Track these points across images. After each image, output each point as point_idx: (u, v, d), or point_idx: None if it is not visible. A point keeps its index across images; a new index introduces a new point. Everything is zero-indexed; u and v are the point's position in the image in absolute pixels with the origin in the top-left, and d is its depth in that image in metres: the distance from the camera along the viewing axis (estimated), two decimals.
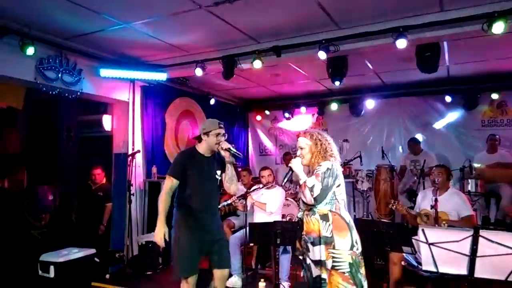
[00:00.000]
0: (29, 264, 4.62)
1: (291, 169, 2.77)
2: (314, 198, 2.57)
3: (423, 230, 2.36)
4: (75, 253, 4.84)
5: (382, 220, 3.75)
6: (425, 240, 2.33)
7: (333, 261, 2.52)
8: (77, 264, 4.75)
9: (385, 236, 3.34)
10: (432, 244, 2.33)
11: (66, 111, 5.71)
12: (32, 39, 4.45)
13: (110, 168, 6.17)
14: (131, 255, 5.64)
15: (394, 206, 4.18)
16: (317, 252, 2.57)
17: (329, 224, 2.57)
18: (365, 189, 6.92)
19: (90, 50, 5.32)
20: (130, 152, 5.88)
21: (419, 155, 6.62)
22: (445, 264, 2.35)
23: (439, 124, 7.36)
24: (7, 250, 4.50)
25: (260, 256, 5.23)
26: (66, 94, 5.25)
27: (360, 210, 7.42)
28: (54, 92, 5.08)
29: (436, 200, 3.68)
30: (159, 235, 3.12)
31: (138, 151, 5.78)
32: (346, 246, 2.54)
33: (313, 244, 2.60)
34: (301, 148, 2.81)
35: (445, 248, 2.31)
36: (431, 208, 3.72)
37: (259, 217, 4.94)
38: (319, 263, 2.56)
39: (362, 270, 2.56)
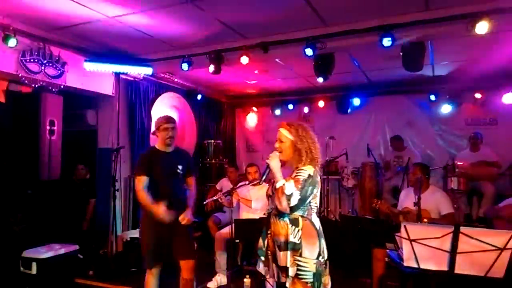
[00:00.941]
0: (10, 261, 4.53)
1: (268, 166, 2.46)
2: (290, 207, 2.34)
3: (405, 226, 2.39)
4: (58, 249, 4.77)
5: (366, 217, 3.77)
6: (407, 237, 2.36)
7: (298, 269, 2.32)
8: (60, 261, 4.69)
9: (368, 232, 3.37)
10: (413, 240, 2.36)
11: (49, 104, 5.59)
12: (14, 31, 4.36)
13: (95, 163, 6.10)
14: (115, 251, 5.59)
15: (377, 206, 4.21)
16: (283, 258, 2.36)
17: (299, 230, 2.36)
18: (351, 186, 7.00)
19: (74, 43, 5.23)
20: (115, 147, 5.81)
21: (403, 151, 6.70)
22: (426, 260, 2.39)
23: (423, 122, 7.45)
24: None
25: (246, 252, 5.24)
26: (50, 87, 5.16)
27: (345, 207, 7.50)
28: (36, 85, 4.98)
29: (419, 198, 3.72)
30: (160, 212, 3.25)
31: (123, 147, 5.71)
32: (313, 255, 2.34)
33: (279, 248, 2.39)
34: (281, 142, 2.51)
35: (426, 245, 2.34)
36: (414, 205, 3.76)
37: (245, 214, 4.94)
38: (284, 270, 2.35)
39: (323, 279, 2.39)
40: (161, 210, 3.26)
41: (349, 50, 5.35)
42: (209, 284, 4.69)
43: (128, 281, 4.74)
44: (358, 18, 4.46)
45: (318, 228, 2.43)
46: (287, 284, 2.33)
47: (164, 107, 7.10)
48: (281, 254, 2.38)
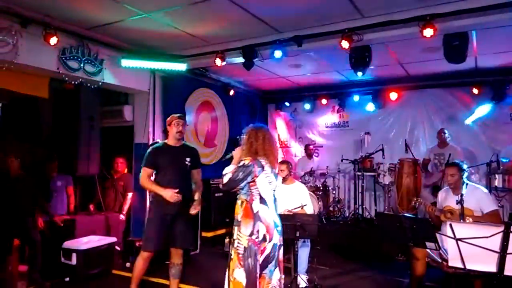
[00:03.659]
0: (52, 251, 4.71)
1: (232, 155, 3.15)
2: (222, 184, 3.00)
3: (451, 225, 2.26)
4: (97, 241, 4.92)
5: (406, 214, 3.63)
6: (452, 236, 2.24)
7: (237, 242, 2.90)
8: (98, 252, 4.83)
9: (408, 231, 3.25)
10: (460, 239, 2.23)
11: (88, 101, 5.77)
12: (55, 29, 4.50)
13: (131, 158, 6.23)
14: None
15: (417, 204, 4.05)
16: (234, 232, 2.97)
17: (241, 211, 2.95)
18: (387, 183, 6.81)
19: (111, 40, 5.35)
20: (150, 142, 5.91)
21: (444, 148, 6.42)
22: (473, 261, 2.26)
23: (465, 117, 7.11)
24: (32, 237, 4.59)
25: None
26: (88, 84, 5.31)
27: (381, 204, 7.30)
28: (76, 82, 5.14)
29: (462, 195, 3.54)
30: (169, 195, 3.63)
31: (158, 141, 5.79)
32: (247, 232, 2.88)
33: (234, 224, 2.99)
34: (242, 139, 3.15)
35: (473, 244, 2.21)
36: (456, 204, 3.58)
37: (278, 210, 4.88)
38: (232, 241, 2.97)
39: (259, 257, 2.86)
40: (168, 193, 3.63)
41: (386, 42, 5.17)
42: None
43: (164, 274, 4.80)
44: (396, 8, 4.30)
45: (255, 212, 2.93)
46: (231, 253, 2.94)
47: (197, 102, 7.17)
48: (234, 228, 2.98)
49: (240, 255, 2.86)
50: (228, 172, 2.97)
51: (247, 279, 2.81)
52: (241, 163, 2.96)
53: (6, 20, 4.22)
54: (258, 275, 2.85)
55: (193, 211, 3.87)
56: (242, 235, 2.89)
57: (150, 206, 3.94)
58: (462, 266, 2.27)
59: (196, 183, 4.01)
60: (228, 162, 3.13)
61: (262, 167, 2.98)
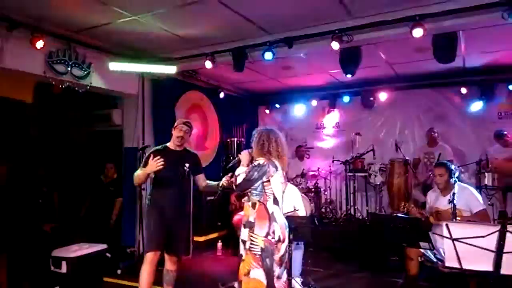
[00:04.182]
0: (41, 260, 4.61)
1: (239, 158, 3.15)
2: (235, 185, 3.03)
3: (447, 225, 2.25)
4: (87, 248, 4.81)
5: (399, 215, 3.63)
6: (449, 236, 2.23)
7: (250, 243, 2.91)
8: (89, 259, 4.72)
9: (401, 231, 3.24)
10: (456, 239, 2.22)
11: (75, 105, 5.68)
12: (41, 32, 4.41)
13: (121, 163, 6.15)
14: (142, 250, 5.60)
15: (406, 209, 4.03)
16: (244, 233, 2.97)
17: (255, 212, 2.94)
18: (378, 183, 6.83)
19: (99, 43, 5.27)
20: (140, 146, 5.83)
21: (434, 147, 6.46)
22: (470, 260, 2.25)
23: (454, 117, 7.18)
24: (20, 245, 4.49)
25: None
26: (76, 88, 5.22)
27: (373, 205, 7.32)
28: (63, 86, 5.04)
29: (454, 194, 3.54)
30: (151, 167, 3.53)
31: (149, 146, 5.71)
32: (262, 233, 2.89)
33: (244, 226, 2.99)
34: (253, 141, 3.17)
35: (470, 244, 2.20)
36: (448, 203, 3.58)
37: None
38: (243, 243, 2.97)
39: (275, 257, 2.89)
40: (152, 162, 3.52)
41: (376, 42, 5.19)
42: (236, 284, 4.64)
43: (156, 279, 4.74)
44: (386, 9, 4.31)
45: (270, 213, 2.94)
46: (243, 255, 2.95)
47: (187, 105, 7.11)
48: (243, 230, 2.98)
49: (257, 256, 2.87)
50: (241, 172, 2.99)
51: (267, 279, 2.84)
52: (256, 163, 2.98)
53: None
54: (276, 274, 2.89)
55: (226, 181, 3.58)
56: (257, 236, 2.90)
57: (148, 208, 3.87)
58: (458, 266, 2.27)
59: (207, 182, 3.92)
60: (232, 168, 3.18)
61: (276, 167, 3.02)
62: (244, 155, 3.14)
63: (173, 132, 3.86)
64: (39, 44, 4.38)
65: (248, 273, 2.87)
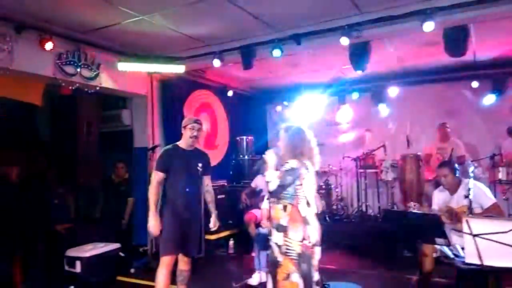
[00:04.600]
0: (56, 259, 4.65)
1: (264, 159, 2.96)
2: (270, 192, 2.87)
3: (467, 221, 2.21)
4: (100, 248, 4.85)
5: (414, 211, 3.58)
6: (469, 232, 2.19)
7: (286, 248, 2.79)
8: (102, 259, 4.76)
9: (416, 227, 3.20)
10: (477, 235, 2.18)
11: (85, 106, 5.72)
12: (50, 34, 4.44)
13: (131, 163, 6.17)
14: (155, 249, 5.63)
15: (416, 209, 3.97)
16: (277, 237, 2.84)
17: (287, 215, 2.82)
18: (390, 179, 6.77)
19: (107, 44, 5.29)
20: (150, 146, 5.85)
21: (446, 142, 6.38)
22: (491, 257, 2.20)
23: (465, 111, 7.08)
24: (34, 245, 4.53)
25: None
26: (85, 89, 5.24)
27: (385, 201, 7.26)
28: (73, 87, 5.07)
29: (469, 189, 3.47)
30: (152, 224, 3.51)
31: (158, 145, 5.74)
32: (297, 237, 2.78)
33: (276, 229, 2.87)
34: (278, 141, 3.04)
35: (491, 240, 2.15)
36: (464, 198, 3.51)
37: None
38: (277, 247, 2.84)
39: (313, 262, 2.79)
40: (153, 222, 3.51)
41: (385, 37, 5.13)
42: (250, 281, 4.64)
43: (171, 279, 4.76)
44: (396, 3, 4.25)
45: (304, 216, 2.82)
46: (279, 259, 2.81)
47: (196, 104, 7.11)
48: (276, 234, 2.85)
49: (294, 261, 2.76)
50: (273, 178, 2.83)
51: (304, 284, 2.74)
52: (288, 167, 2.84)
53: (0, 26, 4.15)
54: (315, 280, 2.80)
55: (214, 227, 3.85)
56: (292, 241, 2.79)
57: (162, 210, 3.72)
58: (479, 263, 2.22)
59: (208, 190, 3.91)
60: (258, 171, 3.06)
61: (307, 169, 2.90)
62: (270, 156, 2.95)
63: (184, 132, 3.75)
64: (48, 45, 4.42)
65: (287, 277, 2.76)
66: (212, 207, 3.89)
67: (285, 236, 2.79)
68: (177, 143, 3.81)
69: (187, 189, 3.66)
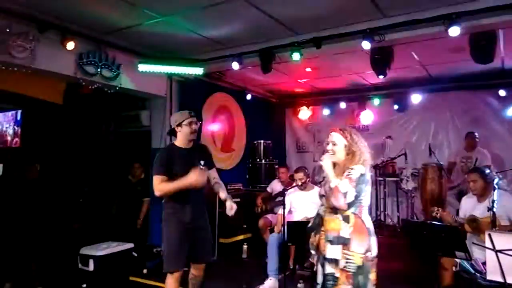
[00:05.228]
0: (69, 257, 4.68)
1: (321, 167, 2.72)
2: (348, 204, 2.55)
3: (489, 235, 2.09)
4: (114, 247, 4.86)
5: (433, 222, 3.44)
6: (491, 247, 2.06)
7: (346, 261, 2.54)
8: (115, 258, 4.76)
9: (436, 240, 3.07)
10: (500, 251, 2.05)
11: (105, 106, 5.78)
12: (72, 34, 4.50)
13: (149, 163, 6.19)
14: None
15: (439, 214, 3.83)
16: (334, 251, 2.58)
17: (350, 226, 2.58)
18: (410, 188, 6.59)
19: (128, 45, 5.34)
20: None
21: (472, 152, 6.16)
22: None
23: (491, 121, 6.83)
24: (49, 243, 4.58)
25: (299, 256, 5.04)
26: (105, 89, 5.30)
27: (404, 211, 7.06)
28: (93, 87, 5.13)
29: (493, 201, 3.32)
30: (194, 178, 3.07)
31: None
32: (361, 250, 2.54)
33: (331, 242, 2.61)
34: (334, 144, 2.73)
35: None
36: (488, 211, 3.36)
37: (298, 216, 4.75)
38: (334, 262, 2.57)
39: (371, 276, 2.56)
40: (193, 175, 3.06)
41: (408, 42, 4.99)
42: (261, 287, 4.56)
43: (181, 280, 4.72)
44: (420, 7, 4.13)
45: (368, 227, 2.61)
46: (337, 275, 2.54)
47: (214, 106, 7.11)
48: (332, 248, 2.58)
49: (350, 273, 2.52)
50: (349, 189, 2.53)
51: None
52: (357, 173, 2.57)
53: (23, 25, 4.23)
54: None
55: (232, 211, 3.30)
56: (354, 254, 2.53)
57: (165, 218, 3.39)
58: (502, 280, 2.09)
59: (217, 182, 3.50)
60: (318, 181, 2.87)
61: (370, 173, 2.70)
62: (327, 163, 2.69)
63: (180, 129, 3.33)
64: (70, 45, 4.48)
65: None
66: (224, 193, 3.39)
67: (345, 249, 2.54)
68: (173, 142, 3.47)
69: (192, 192, 3.24)
